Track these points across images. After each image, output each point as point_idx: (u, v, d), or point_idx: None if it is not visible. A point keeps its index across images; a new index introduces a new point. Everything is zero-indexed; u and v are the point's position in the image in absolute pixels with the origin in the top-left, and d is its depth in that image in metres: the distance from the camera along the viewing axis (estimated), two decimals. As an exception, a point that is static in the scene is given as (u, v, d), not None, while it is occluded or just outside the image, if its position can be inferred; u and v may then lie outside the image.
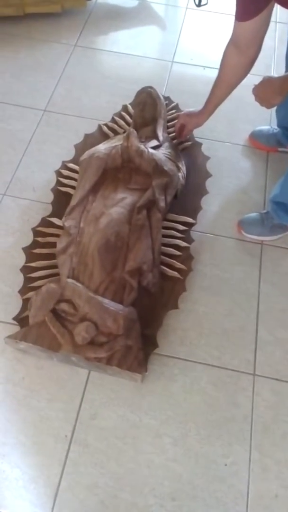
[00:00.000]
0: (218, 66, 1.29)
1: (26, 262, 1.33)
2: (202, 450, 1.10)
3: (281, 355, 1.25)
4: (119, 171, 1.37)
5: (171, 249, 1.35)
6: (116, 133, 1.63)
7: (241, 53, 1.19)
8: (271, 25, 2.24)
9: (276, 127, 1.68)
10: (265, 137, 1.69)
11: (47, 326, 1.14)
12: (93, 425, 1.12)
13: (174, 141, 1.56)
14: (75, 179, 1.48)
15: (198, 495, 1.05)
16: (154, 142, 1.44)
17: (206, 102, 1.40)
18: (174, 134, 1.61)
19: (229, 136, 1.72)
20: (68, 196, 1.42)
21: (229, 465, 1.09)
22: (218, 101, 1.37)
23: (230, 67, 1.25)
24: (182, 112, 1.52)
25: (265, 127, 1.71)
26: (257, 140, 1.69)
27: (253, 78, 1.28)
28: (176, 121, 1.57)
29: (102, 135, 1.64)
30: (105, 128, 1.65)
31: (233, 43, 1.19)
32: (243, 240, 1.45)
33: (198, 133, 1.68)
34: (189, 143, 1.62)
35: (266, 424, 1.14)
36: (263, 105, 1.33)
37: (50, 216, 1.43)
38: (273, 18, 2.24)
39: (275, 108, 1.56)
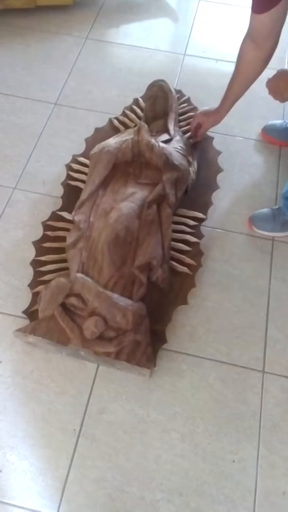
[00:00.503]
0: (231, 59, 1.27)
1: (36, 256, 1.33)
2: (210, 446, 1.10)
3: (291, 353, 1.24)
4: (130, 166, 1.36)
5: (181, 244, 1.34)
6: (126, 127, 1.62)
7: (258, 46, 1.17)
8: (286, 17, 2.20)
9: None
10: (277, 132, 1.66)
11: (56, 320, 1.15)
12: (101, 419, 1.13)
13: (190, 140, 1.54)
14: (85, 173, 1.47)
15: (206, 491, 1.05)
16: (165, 136, 1.43)
17: (222, 99, 1.38)
18: (186, 127, 1.60)
19: (241, 130, 1.70)
20: (78, 190, 1.42)
21: (237, 461, 1.09)
22: (235, 97, 1.35)
23: (247, 61, 1.23)
24: (198, 112, 1.50)
25: (277, 122, 1.69)
26: (270, 135, 1.67)
27: (266, 72, 1.26)
28: (191, 119, 1.55)
29: (112, 129, 1.63)
30: (115, 122, 1.64)
31: (250, 36, 1.17)
32: (254, 236, 1.44)
33: (210, 127, 1.67)
34: None
35: (274, 421, 1.14)
36: (277, 99, 1.31)
37: (60, 210, 1.43)
38: (287, 10, 2.20)
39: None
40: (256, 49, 1.18)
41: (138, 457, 1.09)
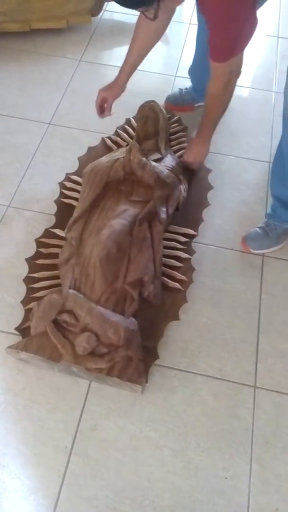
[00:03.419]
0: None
1: (28, 273, 1.34)
2: (202, 463, 1.10)
3: (282, 367, 1.24)
4: (122, 184, 1.38)
5: (172, 260, 1.36)
6: (119, 146, 1.65)
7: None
8: (273, 40, 2.29)
9: (186, 87, 1.82)
10: (180, 99, 1.80)
11: (48, 337, 1.15)
12: (93, 436, 1.12)
13: (178, 154, 1.57)
14: (78, 191, 1.50)
15: (198, 508, 1.05)
16: (156, 155, 1.46)
17: (121, 68, 1.45)
18: (177, 146, 1.64)
19: (231, 148, 1.74)
20: (71, 207, 1.44)
21: (229, 478, 1.09)
22: (134, 64, 1.44)
23: (142, 30, 1.34)
24: (100, 89, 1.51)
25: (176, 90, 1.83)
26: (174, 104, 1.80)
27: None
28: (182, 138, 1.64)
29: (105, 148, 1.67)
30: (108, 141, 1.68)
31: None
32: (244, 252, 1.46)
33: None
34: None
35: (266, 437, 1.14)
36: (194, 167, 1.54)
37: (53, 227, 1.44)
38: (275, 34, 2.29)
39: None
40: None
41: (130, 474, 1.08)
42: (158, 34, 1.38)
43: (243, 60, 1.23)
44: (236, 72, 1.25)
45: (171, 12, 1.32)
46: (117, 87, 1.48)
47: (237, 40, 1.13)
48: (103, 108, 1.53)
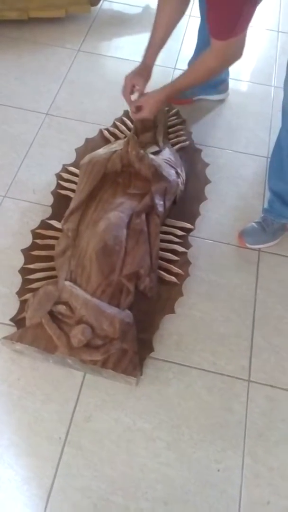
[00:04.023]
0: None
1: (24, 264, 1.34)
2: (195, 455, 1.11)
3: (276, 362, 1.25)
4: (119, 176, 1.38)
5: (169, 254, 1.36)
6: (117, 138, 1.64)
7: None
8: (273, 34, 2.28)
9: None
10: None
11: (43, 328, 1.15)
12: (87, 427, 1.13)
13: (176, 147, 1.57)
14: (75, 183, 1.49)
15: (190, 499, 1.06)
16: (154, 148, 1.46)
17: (146, 49, 1.40)
18: (175, 139, 1.63)
19: (229, 143, 1.73)
20: (68, 199, 1.43)
21: (222, 470, 1.09)
22: (159, 45, 1.38)
23: (165, 11, 1.31)
24: (127, 75, 1.41)
25: None
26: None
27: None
28: (180, 131, 1.59)
29: (103, 139, 1.66)
30: (106, 133, 1.67)
31: None
32: (240, 246, 1.46)
33: (199, 140, 1.70)
34: (187, 143, 1.63)
35: (259, 430, 1.15)
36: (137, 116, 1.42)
37: (49, 218, 1.44)
38: (275, 28, 2.28)
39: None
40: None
41: (124, 465, 1.09)
42: (182, 9, 1.33)
43: (244, 43, 1.19)
44: (234, 55, 1.21)
45: None
46: (147, 70, 1.40)
47: (237, 18, 1.09)
48: (129, 98, 1.42)
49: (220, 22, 1.13)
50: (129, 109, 1.46)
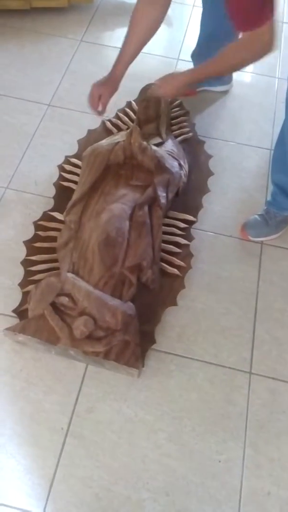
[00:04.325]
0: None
1: (26, 255, 1.34)
2: (196, 446, 1.11)
3: (278, 354, 1.25)
4: (121, 167, 1.37)
5: (171, 246, 1.36)
6: (119, 129, 1.63)
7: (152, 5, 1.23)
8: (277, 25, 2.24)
9: None
10: None
11: (46, 319, 1.15)
12: (89, 418, 1.13)
13: (179, 139, 1.56)
14: (77, 174, 1.48)
15: (192, 490, 1.06)
16: (157, 139, 1.45)
17: (115, 63, 1.37)
18: (178, 131, 1.62)
19: (232, 135, 1.72)
20: (70, 190, 1.43)
21: (223, 461, 1.10)
22: (130, 58, 1.36)
23: (141, 22, 1.30)
24: (93, 84, 1.41)
25: None
26: None
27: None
28: (183, 123, 1.56)
29: (105, 131, 1.65)
30: (108, 124, 1.66)
31: None
32: (243, 239, 1.46)
33: (202, 131, 1.69)
34: (190, 134, 1.62)
35: (261, 422, 1.15)
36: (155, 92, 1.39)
37: (51, 210, 1.43)
38: (279, 18, 2.25)
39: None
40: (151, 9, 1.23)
41: (125, 456, 1.09)
42: (156, 25, 1.32)
43: (273, 33, 1.11)
44: (264, 47, 1.12)
45: (168, 0, 1.25)
46: (115, 81, 1.39)
47: (260, 4, 1.04)
48: (97, 106, 1.42)
49: (243, 12, 1.06)
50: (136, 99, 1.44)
